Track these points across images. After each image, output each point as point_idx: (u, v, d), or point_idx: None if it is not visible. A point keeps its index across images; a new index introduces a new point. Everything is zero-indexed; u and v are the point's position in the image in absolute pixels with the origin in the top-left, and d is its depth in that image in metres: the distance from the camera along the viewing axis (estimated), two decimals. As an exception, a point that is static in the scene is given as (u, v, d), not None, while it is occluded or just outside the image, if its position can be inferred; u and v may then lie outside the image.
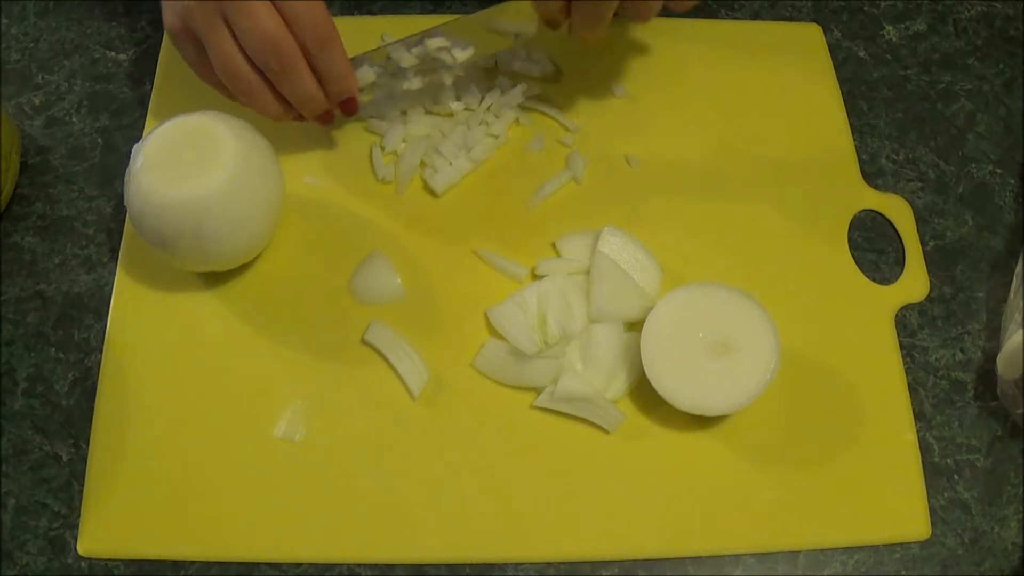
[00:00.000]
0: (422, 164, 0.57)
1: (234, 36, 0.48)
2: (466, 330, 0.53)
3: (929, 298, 0.56)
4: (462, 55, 0.55)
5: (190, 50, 0.50)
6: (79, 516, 0.48)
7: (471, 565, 0.48)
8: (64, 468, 0.50)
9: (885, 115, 0.62)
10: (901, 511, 0.50)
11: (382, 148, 0.58)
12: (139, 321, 0.53)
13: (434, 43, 0.55)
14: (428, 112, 0.59)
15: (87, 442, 0.50)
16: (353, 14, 0.63)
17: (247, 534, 0.48)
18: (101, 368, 0.52)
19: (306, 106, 0.52)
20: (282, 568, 0.48)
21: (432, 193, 0.57)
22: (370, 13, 0.63)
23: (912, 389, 0.53)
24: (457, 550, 0.48)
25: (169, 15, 0.50)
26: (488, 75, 0.61)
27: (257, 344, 0.52)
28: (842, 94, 0.62)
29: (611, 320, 0.52)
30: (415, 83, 0.57)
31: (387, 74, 0.56)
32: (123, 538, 0.48)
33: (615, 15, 0.51)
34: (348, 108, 0.54)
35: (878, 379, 0.53)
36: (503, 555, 0.48)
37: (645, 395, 0.50)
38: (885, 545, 0.49)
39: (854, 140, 0.60)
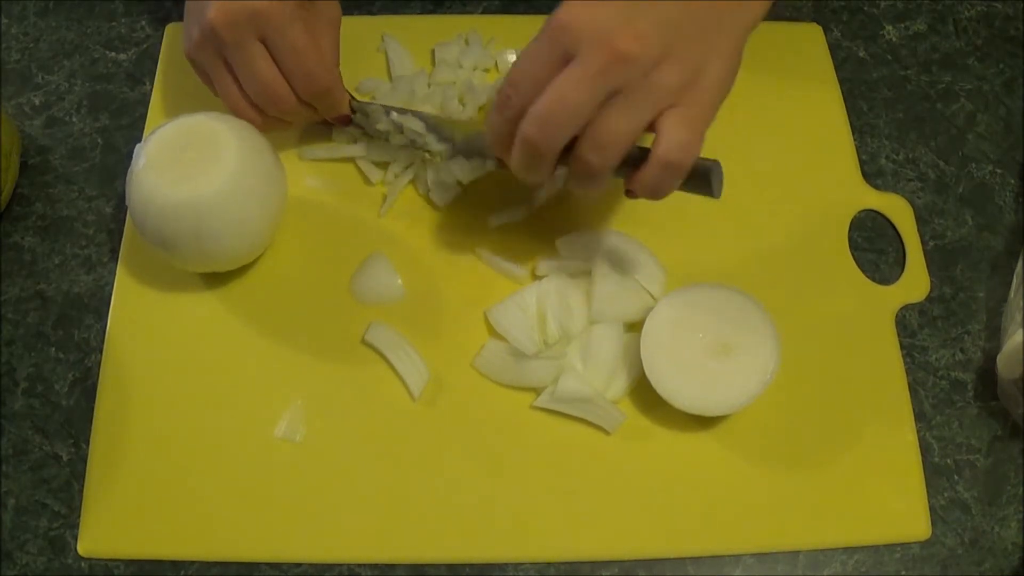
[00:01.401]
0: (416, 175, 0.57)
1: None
2: (466, 331, 0.53)
3: (929, 298, 0.56)
4: (437, 147, 0.54)
5: (202, 77, 0.53)
6: (79, 516, 0.48)
7: (471, 565, 0.48)
8: (64, 468, 0.50)
9: (885, 115, 0.62)
10: (901, 511, 0.50)
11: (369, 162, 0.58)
12: (139, 321, 0.53)
13: (413, 125, 0.54)
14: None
15: (87, 442, 0.50)
16: (353, 14, 0.62)
17: (247, 534, 0.48)
18: (101, 368, 0.52)
19: (304, 124, 0.55)
20: (282, 568, 0.48)
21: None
22: (370, 13, 0.63)
23: (912, 389, 0.53)
24: (457, 550, 0.48)
25: (185, 44, 0.51)
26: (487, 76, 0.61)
27: (258, 344, 0.52)
28: (842, 94, 0.62)
29: (614, 322, 0.52)
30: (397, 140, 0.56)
31: (368, 123, 0.56)
32: (123, 538, 0.48)
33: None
34: (341, 122, 0.56)
35: (878, 379, 0.53)
36: (503, 555, 0.48)
37: (645, 395, 0.50)
38: (885, 545, 0.49)
39: (854, 140, 0.60)
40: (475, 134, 0.53)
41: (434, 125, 0.54)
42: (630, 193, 0.45)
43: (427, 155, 0.55)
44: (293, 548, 0.48)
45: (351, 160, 0.58)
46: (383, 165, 0.57)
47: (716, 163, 0.45)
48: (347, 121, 0.55)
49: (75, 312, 0.54)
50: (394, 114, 0.54)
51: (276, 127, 0.53)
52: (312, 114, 0.53)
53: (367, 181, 0.57)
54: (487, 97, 0.58)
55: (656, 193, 0.44)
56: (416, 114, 0.54)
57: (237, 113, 0.51)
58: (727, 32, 0.44)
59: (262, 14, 0.48)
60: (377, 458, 0.50)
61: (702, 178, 0.45)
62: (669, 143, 0.42)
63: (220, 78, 0.51)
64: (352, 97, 0.55)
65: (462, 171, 0.54)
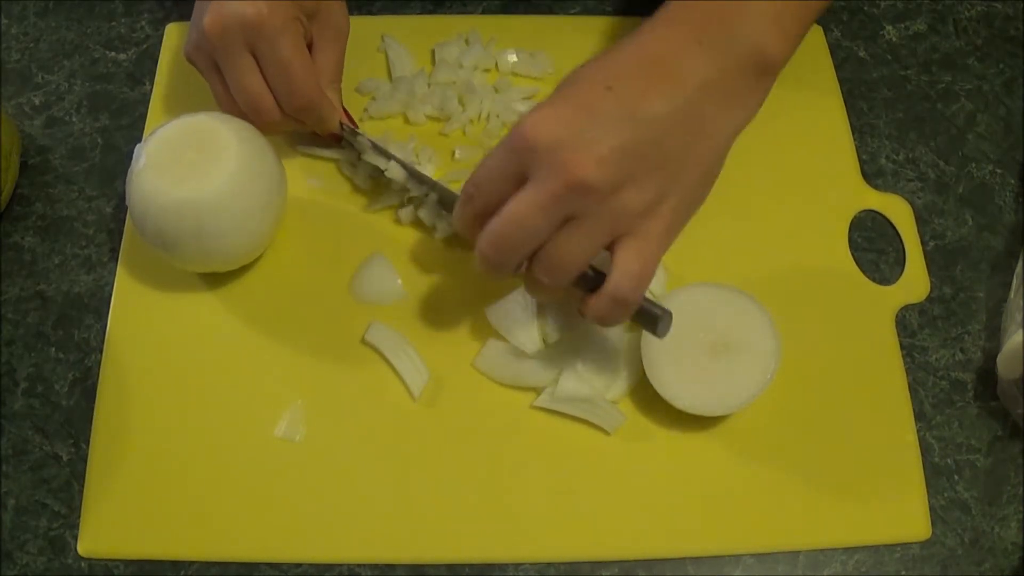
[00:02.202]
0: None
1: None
2: (466, 330, 0.53)
3: (929, 298, 0.56)
4: (418, 192, 0.54)
5: (203, 76, 0.52)
6: (79, 516, 0.48)
7: (471, 565, 0.48)
8: (64, 468, 0.50)
9: (885, 115, 0.62)
10: (901, 511, 0.50)
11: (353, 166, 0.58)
12: (139, 321, 0.53)
13: (394, 174, 0.54)
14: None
15: (87, 442, 0.50)
16: (353, 14, 0.62)
17: (247, 534, 0.48)
18: (101, 368, 0.52)
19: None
20: (282, 568, 0.48)
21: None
22: (370, 13, 0.63)
23: (912, 389, 0.53)
24: (457, 550, 0.48)
25: (185, 44, 0.52)
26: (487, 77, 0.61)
27: (258, 344, 0.52)
28: (842, 94, 0.62)
29: (614, 321, 0.52)
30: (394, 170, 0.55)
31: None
32: (123, 538, 0.48)
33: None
34: (332, 139, 0.56)
35: (878, 379, 0.53)
36: (503, 555, 0.48)
37: (645, 396, 0.50)
38: (885, 545, 0.49)
39: (854, 140, 0.60)
40: (452, 194, 0.52)
41: (417, 176, 0.54)
42: (581, 314, 0.45)
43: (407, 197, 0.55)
44: (293, 548, 0.48)
45: (347, 162, 0.58)
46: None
47: (667, 312, 0.46)
48: (337, 139, 0.55)
49: (75, 312, 0.54)
50: (378, 156, 0.54)
51: (270, 131, 0.53)
52: (301, 126, 0.53)
53: (355, 188, 0.57)
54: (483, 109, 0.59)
55: (604, 322, 0.44)
56: (401, 163, 0.54)
57: (230, 113, 0.51)
58: (704, 147, 0.43)
59: (252, 25, 0.47)
60: (377, 458, 0.50)
61: (649, 319, 0.46)
62: (620, 277, 0.42)
63: (212, 82, 0.51)
64: (348, 116, 0.55)
65: (441, 228, 0.55)
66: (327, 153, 0.58)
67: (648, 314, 0.46)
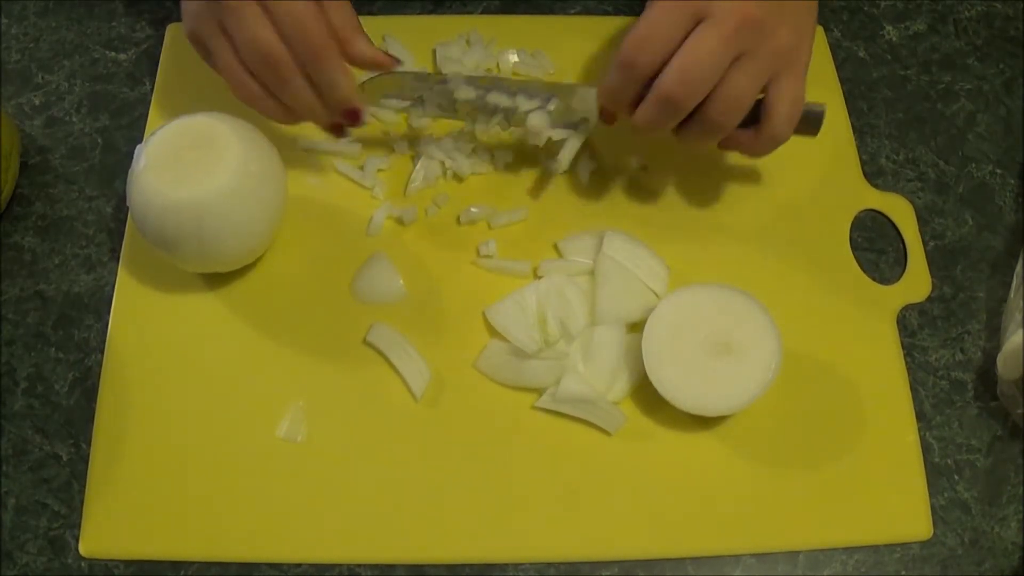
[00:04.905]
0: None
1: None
2: (468, 331, 0.53)
3: (929, 298, 0.56)
4: (528, 106, 0.53)
5: (201, 53, 0.50)
6: (79, 516, 0.48)
7: (471, 565, 0.48)
8: (64, 468, 0.50)
9: (885, 115, 0.62)
10: (902, 511, 0.50)
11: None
12: (140, 321, 0.53)
13: (499, 100, 0.54)
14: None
15: (87, 442, 0.50)
16: (353, 14, 0.62)
17: (247, 534, 0.48)
18: (102, 368, 0.52)
19: (307, 115, 0.51)
20: (282, 568, 0.48)
21: (457, 177, 0.57)
22: (370, 13, 0.63)
23: (912, 389, 0.53)
24: (457, 550, 0.48)
25: (184, 19, 0.50)
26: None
27: (259, 345, 0.52)
28: (842, 94, 0.62)
29: (618, 322, 0.52)
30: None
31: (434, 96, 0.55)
32: (123, 538, 0.48)
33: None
34: (351, 119, 0.51)
35: (880, 379, 0.53)
36: (503, 555, 0.48)
37: (647, 396, 0.51)
38: (885, 545, 0.49)
39: (854, 140, 0.60)
40: (567, 91, 0.53)
41: (521, 88, 0.54)
42: (747, 152, 0.51)
43: (502, 122, 0.55)
44: (293, 548, 0.48)
45: (350, 161, 0.58)
46: (382, 171, 0.58)
47: (823, 106, 0.52)
48: (357, 119, 0.51)
49: (75, 312, 0.54)
50: (474, 87, 0.54)
51: (285, 117, 0.50)
52: (313, 100, 0.49)
53: (361, 185, 0.57)
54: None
55: (767, 153, 0.51)
56: (496, 83, 0.54)
57: (236, 84, 0.49)
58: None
59: None
60: (378, 458, 0.50)
61: (813, 122, 0.52)
62: (785, 105, 0.48)
63: (218, 46, 0.49)
64: (390, 57, 0.50)
65: (566, 150, 0.54)
66: (328, 150, 0.58)
67: (811, 116, 0.51)
